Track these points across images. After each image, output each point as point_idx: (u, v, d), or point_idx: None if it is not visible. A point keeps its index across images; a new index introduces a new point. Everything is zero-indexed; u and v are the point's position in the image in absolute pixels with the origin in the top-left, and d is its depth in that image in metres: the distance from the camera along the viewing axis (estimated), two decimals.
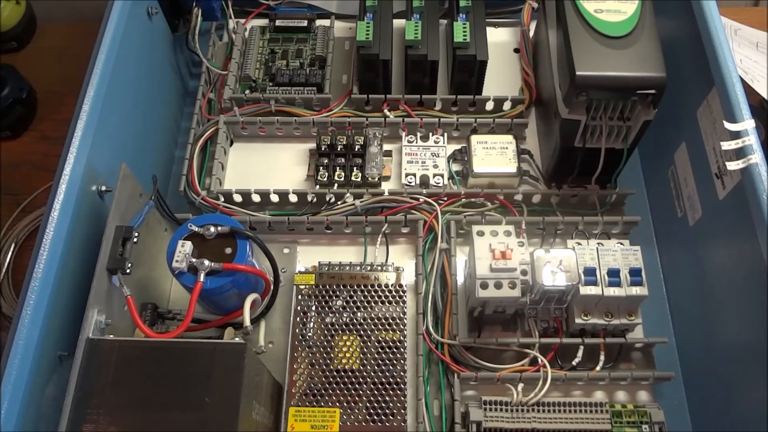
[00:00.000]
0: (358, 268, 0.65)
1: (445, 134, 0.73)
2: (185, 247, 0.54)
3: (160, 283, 0.64)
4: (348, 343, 0.60)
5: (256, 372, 0.51)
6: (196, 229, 0.56)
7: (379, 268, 0.65)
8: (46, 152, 0.85)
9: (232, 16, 0.81)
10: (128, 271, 0.54)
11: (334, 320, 0.61)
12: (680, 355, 0.66)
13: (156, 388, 0.47)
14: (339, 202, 0.68)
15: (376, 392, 0.58)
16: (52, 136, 0.87)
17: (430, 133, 0.73)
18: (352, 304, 0.62)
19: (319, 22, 0.82)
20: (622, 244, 0.59)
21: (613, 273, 0.57)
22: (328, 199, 0.68)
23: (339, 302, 0.62)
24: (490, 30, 0.76)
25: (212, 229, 0.56)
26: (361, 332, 0.61)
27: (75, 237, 0.54)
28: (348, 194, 0.69)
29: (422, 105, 0.74)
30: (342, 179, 0.70)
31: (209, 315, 0.61)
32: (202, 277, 0.54)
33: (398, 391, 0.58)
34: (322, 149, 0.71)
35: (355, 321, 0.61)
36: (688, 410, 0.64)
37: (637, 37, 0.57)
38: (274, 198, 0.69)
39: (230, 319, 0.60)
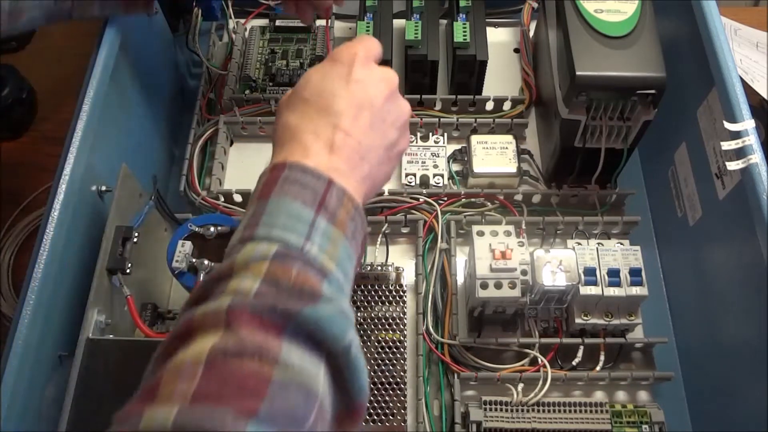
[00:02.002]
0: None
1: (445, 134, 0.73)
2: (185, 247, 0.54)
3: (160, 283, 0.64)
4: None
5: None
6: (196, 229, 0.56)
7: (379, 268, 0.64)
8: (46, 152, 0.85)
9: (232, 16, 0.81)
10: (128, 271, 0.54)
11: None
12: (680, 355, 0.66)
13: None
14: None
15: (376, 392, 0.58)
16: (52, 136, 0.86)
17: (430, 133, 0.73)
18: (351, 304, 0.62)
19: (319, 22, 0.82)
20: (622, 244, 0.59)
21: (613, 273, 0.57)
22: None
23: None
24: (490, 30, 0.76)
25: (212, 229, 0.56)
26: (361, 332, 0.61)
27: (75, 237, 0.54)
28: None
29: (422, 105, 0.74)
30: None
31: None
32: (202, 277, 0.54)
33: (398, 391, 0.58)
34: None
35: (354, 321, 0.61)
36: (688, 410, 0.64)
37: (637, 37, 0.57)
38: None
39: None
